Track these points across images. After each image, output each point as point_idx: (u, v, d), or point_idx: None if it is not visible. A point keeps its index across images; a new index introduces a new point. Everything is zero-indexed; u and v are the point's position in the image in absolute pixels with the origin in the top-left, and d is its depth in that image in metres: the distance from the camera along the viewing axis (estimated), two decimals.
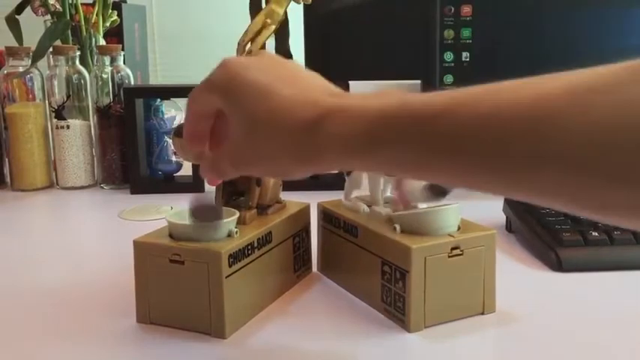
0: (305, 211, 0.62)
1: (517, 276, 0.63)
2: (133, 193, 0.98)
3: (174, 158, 1.00)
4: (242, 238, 0.52)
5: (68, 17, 1.11)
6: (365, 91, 0.38)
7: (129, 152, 0.98)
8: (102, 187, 1.03)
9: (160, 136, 1.02)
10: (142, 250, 0.52)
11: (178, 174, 1.02)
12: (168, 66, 2.78)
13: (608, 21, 0.89)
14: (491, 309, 0.54)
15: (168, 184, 0.99)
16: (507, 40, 0.90)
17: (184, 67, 2.75)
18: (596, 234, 0.65)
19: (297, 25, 1.32)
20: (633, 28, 0.88)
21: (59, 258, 0.72)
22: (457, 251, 0.51)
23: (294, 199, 0.63)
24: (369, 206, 0.59)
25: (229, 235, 0.52)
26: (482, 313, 0.54)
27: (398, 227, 0.52)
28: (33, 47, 1.04)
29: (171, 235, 0.52)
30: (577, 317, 0.54)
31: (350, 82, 0.96)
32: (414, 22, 0.95)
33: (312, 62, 1.37)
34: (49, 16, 1.14)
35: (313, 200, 0.64)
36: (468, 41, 0.90)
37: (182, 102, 1.00)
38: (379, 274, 0.53)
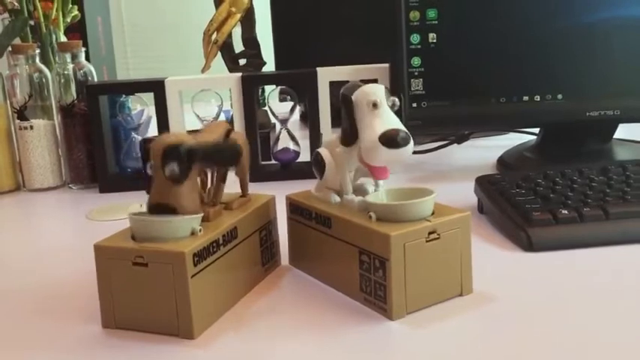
0: (270, 204, 0.61)
1: (490, 257, 0.63)
2: (102, 191, 0.96)
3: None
4: (206, 235, 0.51)
5: (26, 14, 1.09)
6: None
7: (96, 151, 0.96)
8: (70, 188, 1.01)
9: (127, 132, 1.00)
10: (104, 254, 0.50)
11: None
12: (140, 59, 2.73)
13: (576, 0, 0.88)
14: (469, 290, 0.55)
15: (137, 181, 0.97)
16: (474, 20, 0.89)
17: (157, 59, 2.71)
18: (566, 212, 0.65)
19: (264, 12, 1.30)
20: (599, 6, 0.88)
21: (24, 262, 0.70)
22: (434, 235, 0.51)
23: (264, 189, 0.62)
24: (339, 196, 0.58)
25: (193, 233, 0.51)
26: (461, 295, 0.54)
27: (373, 215, 0.52)
28: None
29: (133, 237, 0.51)
30: (552, 295, 0.54)
31: (318, 69, 0.95)
32: (381, 5, 0.94)
33: (280, 49, 1.35)
34: (6, 14, 1.11)
35: (282, 191, 0.63)
36: (434, 22, 0.89)
37: (147, 96, 0.98)
38: (357, 264, 0.53)
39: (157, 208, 0.51)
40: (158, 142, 0.50)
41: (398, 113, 0.54)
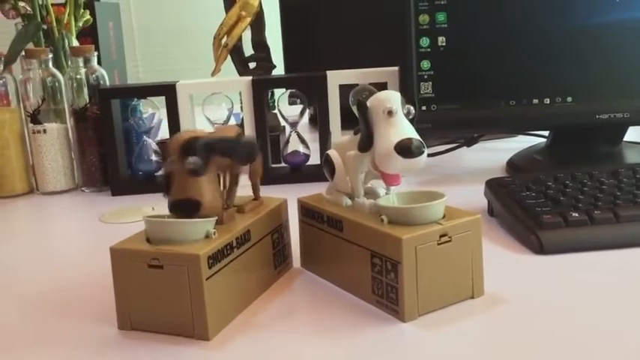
0: (282, 207, 0.62)
1: (500, 260, 0.63)
2: (114, 194, 0.97)
3: (154, 158, 0.99)
4: (220, 238, 0.51)
5: (39, 19, 1.10)
6: None
7: (108, 154, 0.97)
8: (83, 191, 1.02)
9: (139, 135, 1.01)
10: (120, 256, 0.51)
11: (159, 173, 1.01)
12: (150, 62, 2.75)
13: (585, 3, 0.88)
14: (481, 293, 0.55)
15: (149, 184, 0.98)
16: (483, 23, 0.90)
17: (167, 63, 2.72)
18: (577, 215, 0.65)
19: (273, 16, 1.31)
20: (608, 8, 0.88)
21: (39, 265, 0.71)
22: (445, 238, 0.52)
23: (274, 192, 0.63)
24: (350, 198, 0.58)
25: (207, 236, 0.51)
26: (472, 297, 0.54)
27: (385, 218, 0.52)
28: (4, 52, 1.02)
29: (148, 240, 0.51)
30: (562, 298, 0.54)
31: (327, 72, 0.96)
32: (390, 8, 0.94)
33: (289, 52, 1.36)
34: (19, 19, 1.13)
35: (292, 194, 0.63)
36: (443, 26, 0.89)
37: (159, 100, 0.98)
38: (369, 267, 0.53)
39: (179, 203, 0.52)
40: (175, 138, 0.52)
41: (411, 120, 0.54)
